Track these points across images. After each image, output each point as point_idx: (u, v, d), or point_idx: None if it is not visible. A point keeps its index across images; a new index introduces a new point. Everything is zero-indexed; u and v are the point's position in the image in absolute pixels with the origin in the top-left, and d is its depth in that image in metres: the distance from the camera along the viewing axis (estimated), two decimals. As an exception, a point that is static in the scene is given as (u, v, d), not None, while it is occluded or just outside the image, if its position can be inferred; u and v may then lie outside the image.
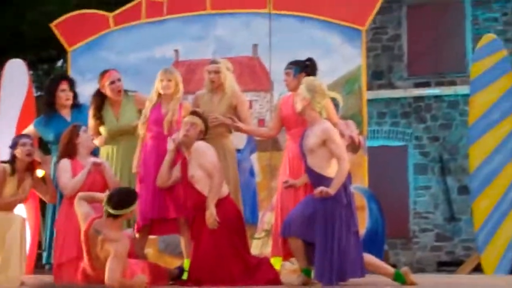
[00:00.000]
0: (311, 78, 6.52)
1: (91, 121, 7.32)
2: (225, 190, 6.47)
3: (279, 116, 6.97)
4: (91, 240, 6.09)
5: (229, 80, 7.01)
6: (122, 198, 6.15)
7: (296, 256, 6.33)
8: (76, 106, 7.56)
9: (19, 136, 7.25)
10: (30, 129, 7.64)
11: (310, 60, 7.02)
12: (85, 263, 6.17)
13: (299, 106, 6.31)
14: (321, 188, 6.01)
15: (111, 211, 6.08)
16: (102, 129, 7.27)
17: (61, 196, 7.04)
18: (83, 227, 6.20)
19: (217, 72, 7.00)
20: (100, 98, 7.36)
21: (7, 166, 6.94)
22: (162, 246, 8.65)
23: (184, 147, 6.58)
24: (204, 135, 6.58)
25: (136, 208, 6.32)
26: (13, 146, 7.02)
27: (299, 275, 6.35)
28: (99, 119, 7.30)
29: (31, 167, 7.02)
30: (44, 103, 7.66)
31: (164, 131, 6.81)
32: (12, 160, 6.98)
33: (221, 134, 6.94)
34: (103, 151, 7.33)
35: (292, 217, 6.19)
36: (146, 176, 6.82)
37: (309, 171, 6.24)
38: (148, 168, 6.83)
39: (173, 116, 6.81)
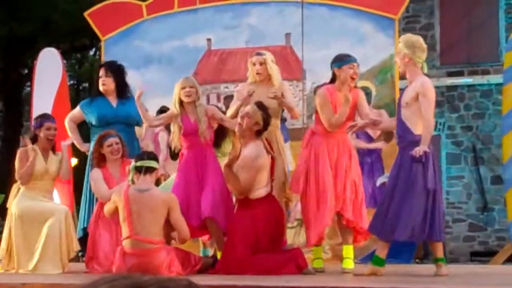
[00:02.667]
0: (408, 34, 6.51)
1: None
2: (262, 192, 6.51)
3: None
4: (132, 200, 6.19)
5: (276, 71, 7.01)
6: (151, 152, 6.65)
7: (380, 245, 6.30)
8: (122, 94, 7.54)
9: (45, 117, 7.29)
10: (76, 110, 7.70)
11: None
12: (123, 238, 6.24)
13: (401, 65, 6.30)
14: (415, 151, 6.02)
15: (152, 163, 6.34)
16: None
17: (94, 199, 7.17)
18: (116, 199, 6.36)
19: (262, 63, 6.99)
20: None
21: (31, 147, 7.07)
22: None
23: (239, 137, 6.62)
24: (262, 127, 6.56)
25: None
26: (38, 126, 7.12)
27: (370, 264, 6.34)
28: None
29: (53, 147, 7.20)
30: (94, 89, 7.85)
31: (200, 139, 6.81)
32: (34, 140, 7.11)
33: (275, 126, 6.99)
34: None
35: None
36: (186, 184, 6.80)
37: (400, 123, 6.23)
38: (187, 176, 6.82)
39: (204, 124, 6.84)
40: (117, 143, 6.97)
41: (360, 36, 8.87)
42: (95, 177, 6.98)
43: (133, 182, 6.30)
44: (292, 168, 7.56)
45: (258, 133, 6.56)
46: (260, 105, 6.62)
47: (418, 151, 6.02)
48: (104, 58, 9.58)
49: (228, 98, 8.50)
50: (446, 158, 16.19)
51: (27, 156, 7.03)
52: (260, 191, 6.50)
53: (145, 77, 9.24)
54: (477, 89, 16.21)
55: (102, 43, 9.80)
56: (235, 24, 9.27)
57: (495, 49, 16.02)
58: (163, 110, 7.90)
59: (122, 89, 7.55)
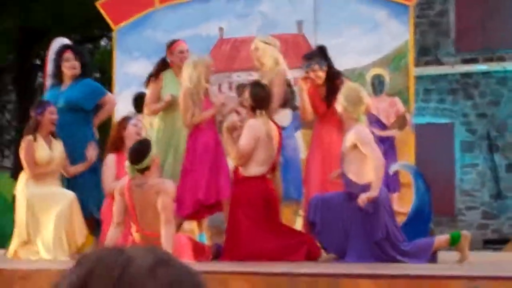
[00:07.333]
0: (351, 86, 6.57)
1: (150, 85, 7.36)
2: (256, 170, 6.51)
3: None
4: (134, 196, 6.09)
5: (269, 56, 7.02)
6: (140, 150, 6.10)
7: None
8: (84, 76, 7.39)
9: (46, 103, 7.11)
10: None
11: (322, 47, 7.04)
12: (132, 230, 6.21)
13: (338, 109, 6.39)
14: (361, 198, 6.03)
15: (140, 166, 6.01)
16: (164, 94, 7.30)
17: None
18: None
19: (255, 49, 7.10)
20: (163, 64, 7.39)
21: (30, 137, 6.94)
22: (208, 222, 8.67)
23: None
24: (253, 103, 6.66)
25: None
26: (40, 112, 6.95)
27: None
28: (159, 81, 7.33)
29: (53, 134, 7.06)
30: (52, 74, 7.58)
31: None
32: (36, 127, 6.95)
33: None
34: (158, 120, 7.38)
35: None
36: (203, 165, 6.84)
37: (343, 176, 6.31)
38: (203, 156, 6.88)
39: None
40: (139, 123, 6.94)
41: (374, 23, 8.80)
42: (106, 164, 6.93)
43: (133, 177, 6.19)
44: (303, 156, 7.55)
45: (254, 109, 6.61)
46: (253, 84, 6.78)
47: (362, 199, 6.02)
48: (117, 48, 9.57)
49: (240, 87, 8.46)
50: (461, 145, 16.11)
51: (32, 146, 6.95)
52: (255, 169, 6.50)
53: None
54: (493, 76, 16.11)
55: (114, 33, 9.78)
56: (247, 12, 9.22)
57: (510, 36, 15.90)
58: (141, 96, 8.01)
59: (85, 72, 7.42)
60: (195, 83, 6.83)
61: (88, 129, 7.33)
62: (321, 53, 7.00)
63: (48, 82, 7.73)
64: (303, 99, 6.94)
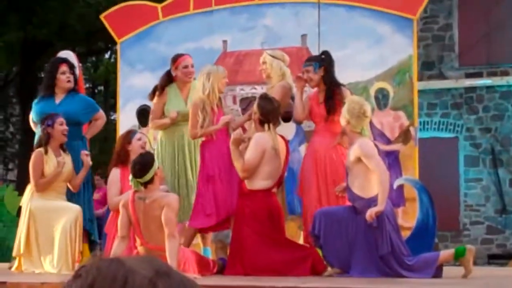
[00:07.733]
0: (354, 99, 6.56)
1: (155, 99, 7.34)
2: (262, 184, 6.49)
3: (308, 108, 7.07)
4: (137, 209, 6.07)
5: (275, 69, 7.03)
6: (143, 163, 6.09)
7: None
8: (74, 90, 7.49)
9: (54, 115, 7.09)
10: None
11: (325, 53, 7.07)
12: (136, 244, 6.18)
13: (342, 122, 6.40)
14: (368, 213, 6.00)
15: (143, 179, 6.02)
16: (166, 109, 7.28)
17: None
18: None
19: (263, 62, 7.12)
20: (168, 78, 7.38)
21: (41, 149, 6.96)
22: (212, 236, 8.63)
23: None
24: (260, 115, 6.63)
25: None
26: (50, 124, 6.95)
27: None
28: (164, 96, 7.29)
29: (63, 146, 7.07)
30: (44, 86, 7.59)
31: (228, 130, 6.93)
32: (47, 138, 6.95)
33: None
34: (162, 133, 7.35)
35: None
36: (218, 176, 6.82)
37: (347, 190, 6.31)
38: (218, 167, 6.85)
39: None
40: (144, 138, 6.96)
41: (378, 37, 8.78)
42: (111, 179, 6.92)
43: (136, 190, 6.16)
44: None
45: (262, 122, 6.59)
46: (261, 97, 6.76)
47: (371, 214, 6.01)
48: (120, 61, 9.56)
49: (244, 100, 8.45)
50: (464, 160, 16.06)
51: (42, 159, 6.97)
52: (261, 183, 6.48)
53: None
54: (496, 91, 16.08)
55: (118, 46, 9.78)
56: (250, 25, 9.21)
57: (514, 50, 15.89)
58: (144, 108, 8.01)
59: (76, 86, 7.52)
60: (208, 93, 6.82)
61: (82, 142, 7.42)
62: (322, 57, 7.04)
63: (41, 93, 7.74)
64: (297, 97, 7.02)
